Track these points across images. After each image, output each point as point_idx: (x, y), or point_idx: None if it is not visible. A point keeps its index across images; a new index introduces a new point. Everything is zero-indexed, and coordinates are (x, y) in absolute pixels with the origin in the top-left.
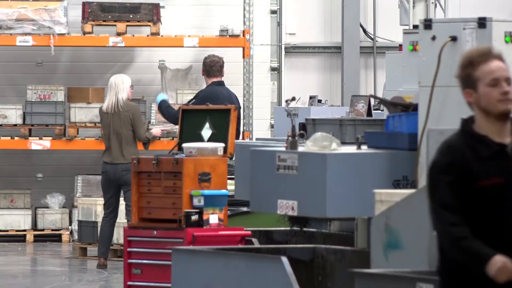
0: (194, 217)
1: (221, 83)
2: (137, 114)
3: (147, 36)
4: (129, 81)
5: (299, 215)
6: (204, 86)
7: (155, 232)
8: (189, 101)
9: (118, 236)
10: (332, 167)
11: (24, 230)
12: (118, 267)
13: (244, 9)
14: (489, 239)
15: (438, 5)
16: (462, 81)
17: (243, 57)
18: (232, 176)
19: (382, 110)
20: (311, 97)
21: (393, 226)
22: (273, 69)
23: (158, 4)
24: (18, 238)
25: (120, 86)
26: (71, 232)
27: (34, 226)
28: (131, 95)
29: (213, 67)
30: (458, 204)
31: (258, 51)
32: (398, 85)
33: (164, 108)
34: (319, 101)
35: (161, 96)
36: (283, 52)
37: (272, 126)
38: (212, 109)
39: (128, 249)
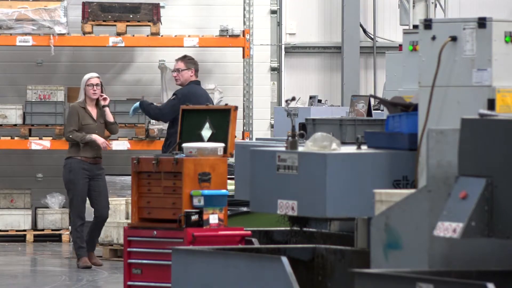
0: (194, 217)
1: (199, 83)
2: (68, 114)
3: (147, 36)
4: (85, 81)
5: (299, 215)
6: (205, 86)
7: (155, 232)
8: (170, 100)
9: (118, 236)
10: (332, 167)
11: (24, 230)
12: (118, 267)
13: (244, 9)
14: None
15: (438, 5)
16: None
17: (243, 57)
18: (232, 176)
19: (382, 110)
20: (311, 97)
21: (393, 226)
22: (273, 69)
23: (158, 4)
24: (18, 238)
25: (80, 87)
26: (71, 232)
27: (34, 226)
28: (92, 93)
29: (198, 67)
30: None
31: (258, 51)
32: (398, 85)
33: (146, 106)
34: (319, 101)
35: (135, 105)
36: (283, 52)
37: (272, 126)
38: (212, 109)
39: (128, 249)
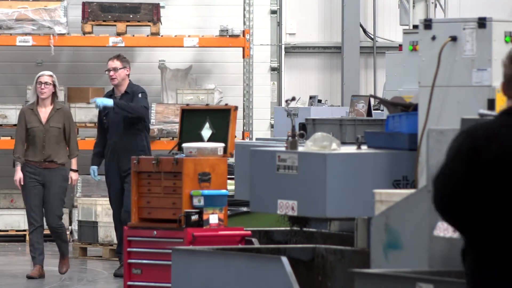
0: (194, 217)
1: None
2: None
3: (147, 36)
4: (35, 78)
5: (299, 215)
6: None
7: (155, 232)
8: (141, 98)
9: None
10: (332, 167)
11: (24, 230)
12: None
13: (244, 9)
14: None
15: (438, 5)
16: None
17: (243, 57)
18: (232, 176)
19: (382, 110)
20: (311, 97)
21: (393, 226)
22: (273, 69)
23: (158, 4)
24: (18, 238)
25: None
26: (71, 232)
27: None
28: (40, 91)
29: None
30: None
31: (258, 51)
32: (398, 85)
33: (126, 105)
34: (319, 101)
35: (106, 101)
36: (283, 52)
37: (272, 126)
38: (212, 109)
39: (128, 249)
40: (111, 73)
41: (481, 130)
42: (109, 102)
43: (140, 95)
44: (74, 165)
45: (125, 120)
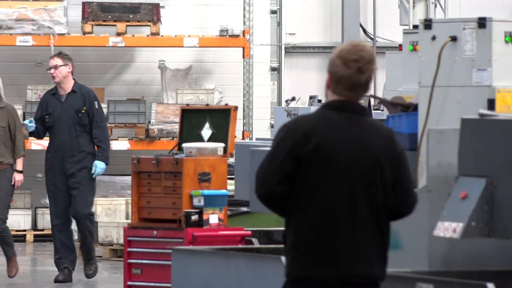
0: (194, 217)
1: None
2: None
3: (147, 36)
4: None
5: None
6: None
7: (155, 232)
8: (97, 110)
9: (118, 236)
10: None
11: (24, 230)
12: (118, 267)
13: (244, 9)
14: None
15: (438, 5)
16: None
17: (243, 57)
18: (232, 176)
19: (382, 110)
20: (311, 97)
21: (393, 226)
22: (273, 69)
23: (158, 4)
24: (18, 238)
25: None
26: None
27: (34, 226)
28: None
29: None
30: None
31: (258, 51)
32: (398, 85)
33: (106, 150)
34: (319, 101)
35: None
36: (283, 52)
37: (272, 126)
38: (212, 109)
39: (128, 249)
40: (52, 71)
41: (300, 125)
42: (103, 166)
43: (96, 105)
44: (19, 166)
45: (74, 121)
